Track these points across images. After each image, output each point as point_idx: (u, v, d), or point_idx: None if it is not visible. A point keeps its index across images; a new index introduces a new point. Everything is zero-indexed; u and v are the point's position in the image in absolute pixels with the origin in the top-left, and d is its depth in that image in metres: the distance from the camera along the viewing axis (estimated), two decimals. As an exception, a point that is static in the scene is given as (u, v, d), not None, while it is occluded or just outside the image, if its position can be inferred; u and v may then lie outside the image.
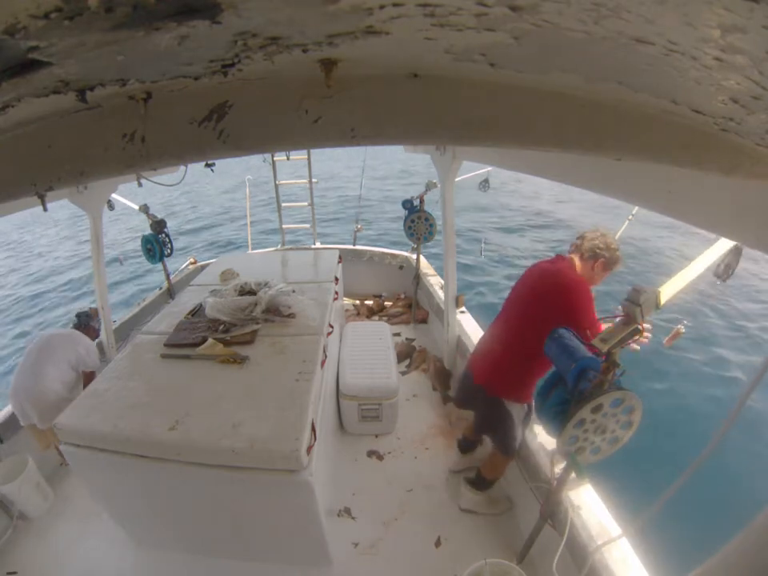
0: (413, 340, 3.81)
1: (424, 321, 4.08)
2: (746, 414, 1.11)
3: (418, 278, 4.01)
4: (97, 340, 2.88)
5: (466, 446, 2.56)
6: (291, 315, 2.35)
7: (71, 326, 2.80)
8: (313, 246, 4.76)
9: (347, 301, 4.27)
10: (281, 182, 4.47)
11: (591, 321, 1.72)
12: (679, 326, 1.76)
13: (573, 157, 1.21)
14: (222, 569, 2.00)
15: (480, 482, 2.22)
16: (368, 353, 2.90)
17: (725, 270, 1.40)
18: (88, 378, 2.61)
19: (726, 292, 6.40)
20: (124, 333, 3.45)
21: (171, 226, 3.87)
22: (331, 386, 2.50)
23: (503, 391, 1.97)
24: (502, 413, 1.97)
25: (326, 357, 2.17)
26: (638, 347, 1.43)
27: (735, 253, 1.36)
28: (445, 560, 2.01)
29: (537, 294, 1.89)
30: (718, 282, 1.41)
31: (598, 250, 1.84)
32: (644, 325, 1.34)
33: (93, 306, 3.12)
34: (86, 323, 2.82)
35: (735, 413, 1.11)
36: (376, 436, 2.75)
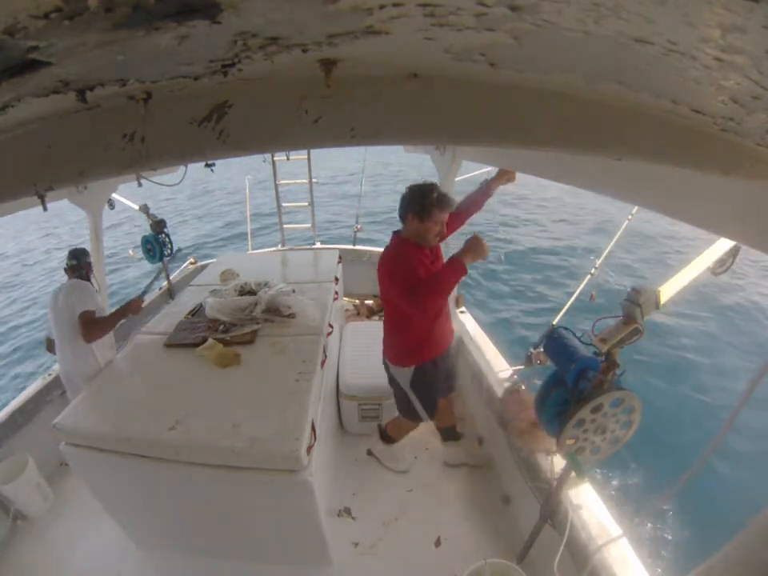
0: None
1: None
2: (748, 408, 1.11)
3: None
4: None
5: (443, 434, 2.64)
6: (291, 315, 2.35)
7: (66, 270, 2.34)
8: (313, 246, 4.76)
9: (347, 301, 4.27)
10: (281, 181, 4.47)
11: (397, 293, 1.87)
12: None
13: (573, 157, 1.21)
14: (222, 569, 2.00)
15: (383, 434, 2.52)
16: (368, 353, 2.88)
17: (719, 264, 1.41)
18: (84, 320, 2.14)
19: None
20: (124, 333, 3.45)
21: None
22: (331, 385, 2.51)
23: (387, 353, 2.20)
24: (390, 377, 2.22)
25: (325, 357, 2.18)
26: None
27: (734, 251, 1.36)
28: (445, 560, 2.01)
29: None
30: (713, 276, 1.42)
31: (406, 206, 1.90)
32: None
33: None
34: (79, 265, 2.33)
35: (735, 413, 1.11)
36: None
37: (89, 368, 2.18)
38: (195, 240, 10.70)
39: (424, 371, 2.09)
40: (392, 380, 2.23)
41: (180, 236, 10.53)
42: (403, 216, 1.93)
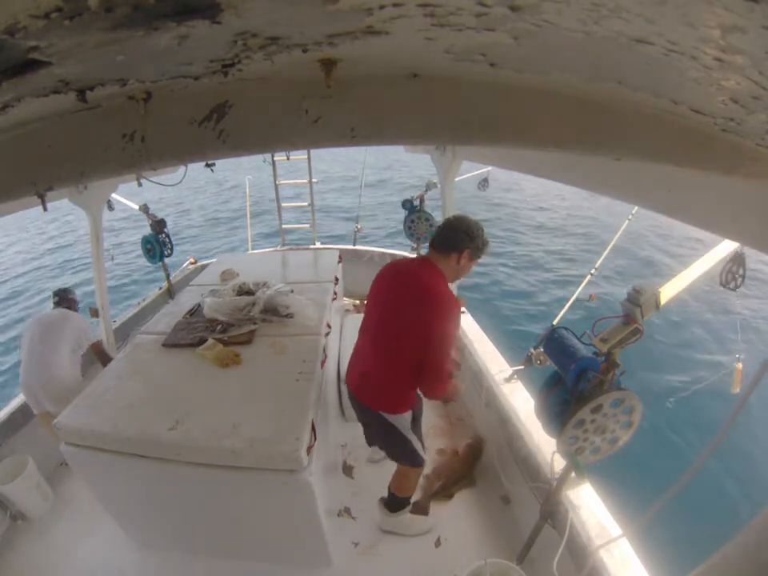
0: None
1: None
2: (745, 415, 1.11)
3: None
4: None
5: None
6: (289, 315, 2.35)
7: (53, 305, 2.75)
8: (313, 246, 4.76)
9: (347, 301, 4.27)
10: (281, 181, 4.47)
11: (445, 336, 1.59)
12: (737, 365, 1.73)
13: (573, 157, 1.21)
14: (222, 569, 2.00)
15: (393, 501, 2.09)
16: None
17: (730, 277, 1.39)
18: (97, 349, 2.71)
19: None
20: (124, 333, 3.45)
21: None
22: (331, 385, 2.51)
23: (383, 405, 1.81)
24: (386, 429, 1.84)
25: (325, 357, 2.17)
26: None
27: (737, 259, 1.35)
28: (445, 560, 2.01)
29: (403, 302, 1.66)
30: (730, 290, 1.40)
31: (460, 242, 1.65)
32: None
33: (93, 306, 3.13)
34: (66, 298, 2.76)
35: (734, 414, 1.11)
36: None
37: (77, 376, 2.57)
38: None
39: (416, 409, 1.91)
40: (388, 431, 1.85)
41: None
42: (455, 248, 1.64)
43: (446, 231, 1.70)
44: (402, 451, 1.93)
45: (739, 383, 1.72)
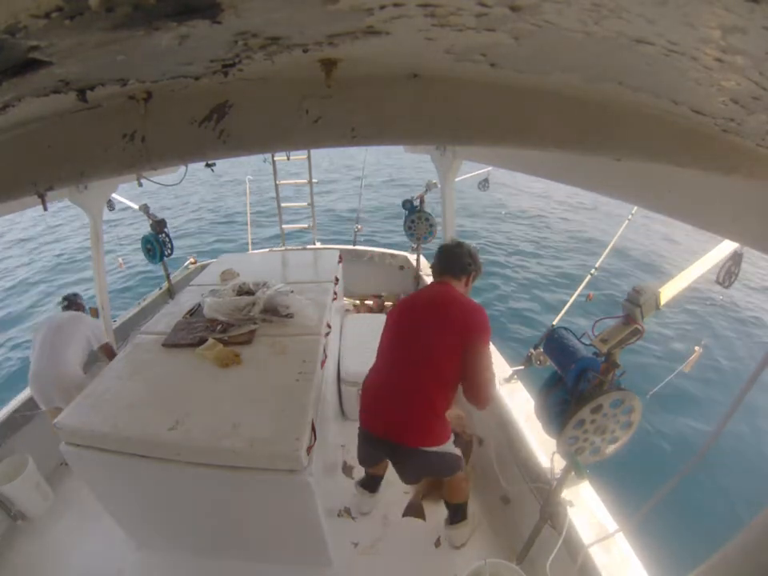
0: None
1: None
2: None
3: (418, 278, 4.01)
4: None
5: (374, 483, 2.23)
6: (289, 315, 2.35)
7: (62, 309, 2.86)
8: (313, 246, 4.76)
9: (347, 301, 4.27)
10: (281, 182, 4.47)
11: (488, 359, 1.65)
12: (696, 348, 1.74)
13: (573, 157, 1.21)
14: (222, 569, 2.00)
15: (456, 512, 2.05)
16: (368, 341, 2.95)
17: (726, 275, 1.40)
18: (107, 350, 2.82)
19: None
20: (124, 333, 3.45)
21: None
22: (331, 385, 2.51)
23: (429, 440, 1.71)
24: (437, 462, 1.75)
25: (325, 357, 2.17)
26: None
27: (736, 258, 1.35)
28: (445, 560, 2.01)
29: (446, 324, 1.67)
30: (723, 288, 1.41)
31: (468, 266, 1.82)
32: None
33: (93, 306, 3.13)
34: (75, 302, 2.89)
35: (731, 412, 1.11)
36: None
37: (81, 372, 2.66)
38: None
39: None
40: (439, 460, 1.75)
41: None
42: (463, 272, 1.80)
43: (452, 257, 1.82)
44: (452, 466, 1.84)
45: (692, 365, 1.76)
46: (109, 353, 2.82)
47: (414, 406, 1.68)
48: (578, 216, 11.20)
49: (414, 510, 2.16)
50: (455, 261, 1.82)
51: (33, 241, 10.74)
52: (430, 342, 1.67)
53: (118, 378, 1.94)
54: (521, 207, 12.01)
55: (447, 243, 1.91)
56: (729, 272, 1.42)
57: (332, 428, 2.44)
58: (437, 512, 2.24)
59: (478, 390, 1.65)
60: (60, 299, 2.92)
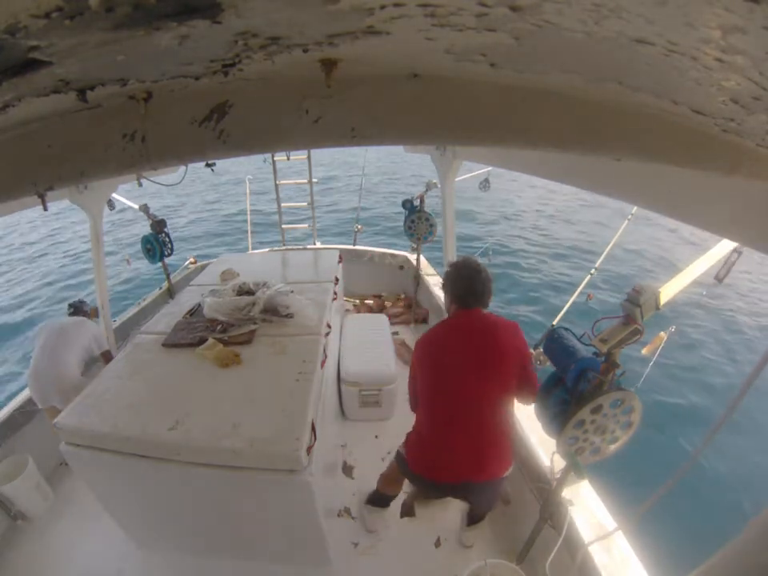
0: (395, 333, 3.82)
1: (424, 321, 4.08)
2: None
3: (418, 277, 4.01)
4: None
5: (389, 499, 2.16)
6: (289, 315, 2.35)
7: (68, 315, 2.92)
8: (313, 246, 4.76)
9: (347, 300, 4.27)
10: (281, 182, 4.47)
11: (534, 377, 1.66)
12: (661, 333, 1.72)
13: (573, 157, 1.21)
14: (222, 569, 2.00)
15: (483, 516, 2.08)
16: (368, 342, 3.03)
17: (724, 273, 1.40)
18: (108, 358, 2.83)
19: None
20: (124, 333, 3.46)
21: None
22: (331, 385, 2.51)
23: (496, 470, 1.71)
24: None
25: (325, 357, 2.17)
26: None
27: (735, 257, 1.36)
28: (445, 560, 2.01)
29: (493, 351, 1.66)
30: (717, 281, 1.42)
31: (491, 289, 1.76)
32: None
33: (93, 306, 3.13)
34: (81, 308, 2.97)
35: (730, 412, 1.11)
36: (376, 437, 2.75)
37: (80, 375, 2.69)
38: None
39: None
40: (501, 485, 1.78)
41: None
42: (490, 296, 1.75)
43: (482, 286, 1.73)
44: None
45: (651, 349, 1.72)
46: (108, 361, 2.83)
47: (492, 445, 1.67)
48: (578, 216, 11.23)
49: (406, 510, 2.20)
50: (487, 292, 1.73)
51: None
52: (487, 375, 1.64)
53: (118, 377, 1.94)
54: (520, 207, 12.03)
55: (470, 267, 1.76)
56: (727, 270, 1.43)
57: (332, 428, 2.43)
58: (436, 512, 2.24)
59: (534, 392, 1.62)
60: (67, 306, 2.99)
